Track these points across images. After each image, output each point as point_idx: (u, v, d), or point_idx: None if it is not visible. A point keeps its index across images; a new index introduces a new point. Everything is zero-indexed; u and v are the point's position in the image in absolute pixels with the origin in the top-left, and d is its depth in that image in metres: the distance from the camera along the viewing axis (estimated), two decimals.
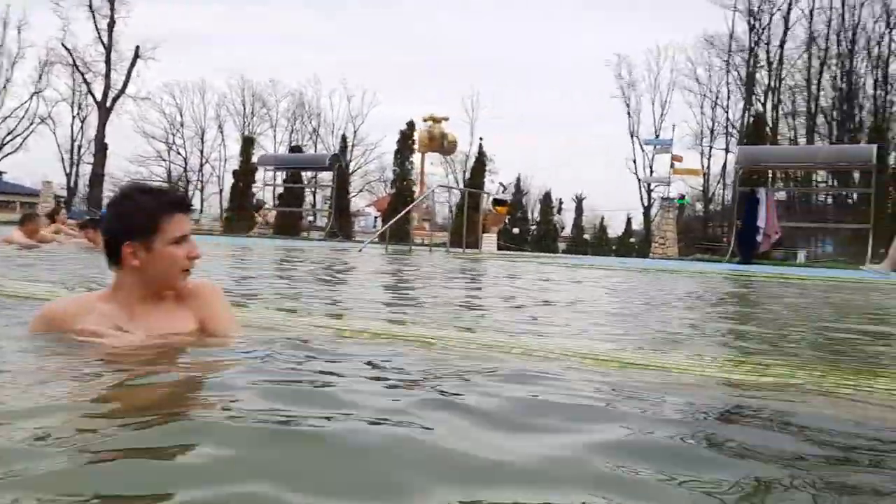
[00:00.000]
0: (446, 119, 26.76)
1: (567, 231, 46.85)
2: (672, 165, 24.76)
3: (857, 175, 25.46)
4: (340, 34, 72.98)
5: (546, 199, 40.32)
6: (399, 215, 17.02)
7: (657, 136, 39.58)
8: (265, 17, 72.77)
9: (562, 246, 40.43)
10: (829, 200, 40.04)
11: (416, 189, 28.29)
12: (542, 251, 29.18)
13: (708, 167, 47.01)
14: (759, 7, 43.98)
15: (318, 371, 1.78)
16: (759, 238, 15.83)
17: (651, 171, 40.27)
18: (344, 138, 44.50)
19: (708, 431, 1.39)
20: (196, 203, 49.67)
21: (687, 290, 6.71)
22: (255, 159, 30.86)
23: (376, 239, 16.46)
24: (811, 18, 43.25)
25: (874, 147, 16.26)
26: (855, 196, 29.58)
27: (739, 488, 1.03)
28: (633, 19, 68.44)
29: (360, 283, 5.35)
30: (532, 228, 41.05)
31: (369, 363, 1.89)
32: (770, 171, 31.04)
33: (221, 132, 51.28)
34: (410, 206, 15.89)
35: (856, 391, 1.90)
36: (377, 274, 7.15)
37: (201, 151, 51.75)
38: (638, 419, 1.39)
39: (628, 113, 49.48)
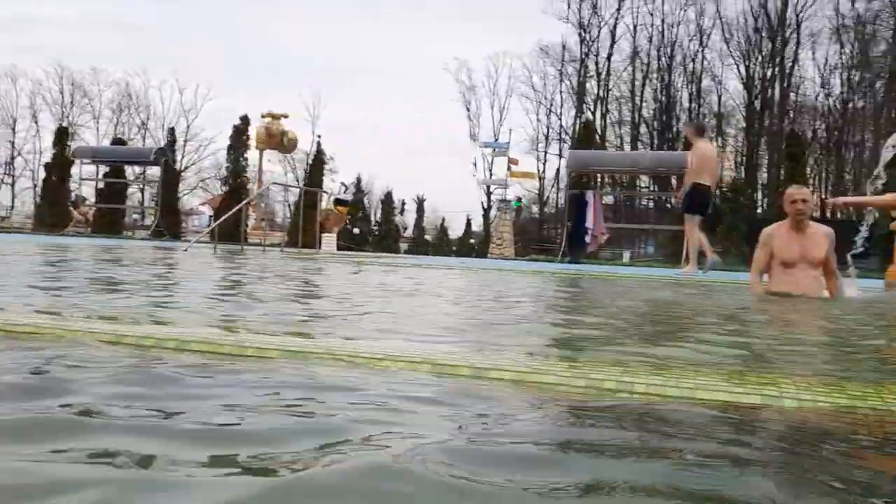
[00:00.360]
0: (286, 116, 25.87)
1: (409, 232, 47.11)
2: (509, 168, 25.45)
3: (674, 180, 27.31)
4: (171, 22, 69.14)
5: (388, 199, 40.26)
6: (230, 213, 16.17)
7: (496, 140, 40.62)
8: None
9: (403, 246, 40.55)
10: (651, 204, 42.96)
11: (253, 187, 27.22)
12: (383, 251, 29.02)
13: (543, 171, 49.06)
14: (588, 21, 46.49)
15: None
16: (588, 239, 16.52)
17: (490, 174, 41.33)
18: (172, 132, 42.14)
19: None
20: (6, 199, 45.24)
21: (519, 288, 6.71)
22: (70, 151, 28.42)
23: (206, 237, 15.53)
24: (635, 34, 46.33)
25: (686, 154, 17.44)
26: (673, 200, 31.86)
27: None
28: (474, 28, 70.13)
29: (161, 285, 4.81)
30: (374, 229, 40.88)
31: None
32: (598, 175, 32.88)
33: (36, 122, 47.05)
34: (242, 203, 15.12)
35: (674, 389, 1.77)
36: (190, 273, 6.58)
37: (12, 143, 47.22)
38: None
39: (469, 117, 50.68)
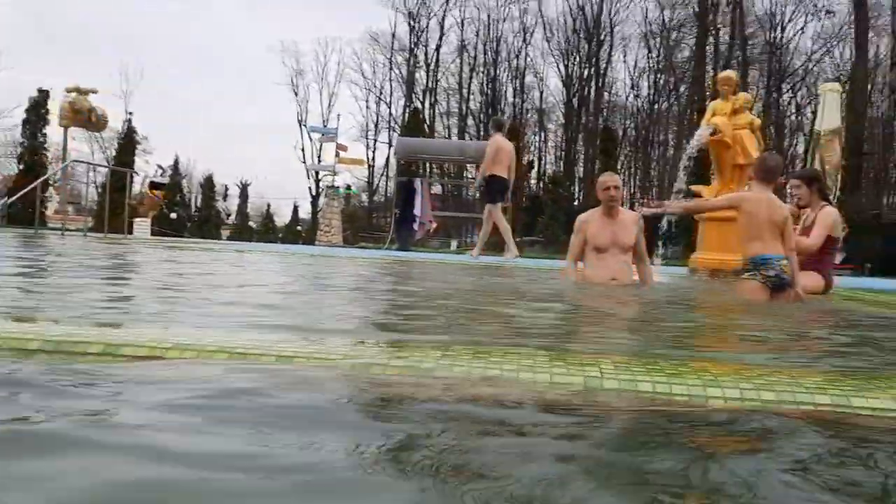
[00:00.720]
0: (94, 91, 23.71)
1: (233, 218, 45.18)
2: (337, 155, 24.91)
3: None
4: None
5: (209, 183, 38.21)
6: (22, 192, 14.52)
7: (325, 126, 39.83)
8: None
9: (226, 233, 38.77)
10: (478, 194, 44.03)
11: (54, 166, 24.77)
12: (203, 238, 27.53)
13: (373, 159, 48.93)
14: (417, 11, 46.79)
15: None
16: (416, 226, 16.51)
17: (319, 160, 40.51)
18: None
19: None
20: None
21: (345, 275, 6.44)
22: None
23: None
24: (462, 27, 47.24)
25: (511, 145, 17.91)
26: (471, 190, 32.80)
27: None
28: (302, 9, 68.33)
29: None
30: (194, 214, 38.69)
31: None
32: (427, 164, 33.21)
33: None
34: (35, 182, 13.60)
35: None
36: None
37: None
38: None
39: (297, 101, 49.42)
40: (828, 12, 33.61)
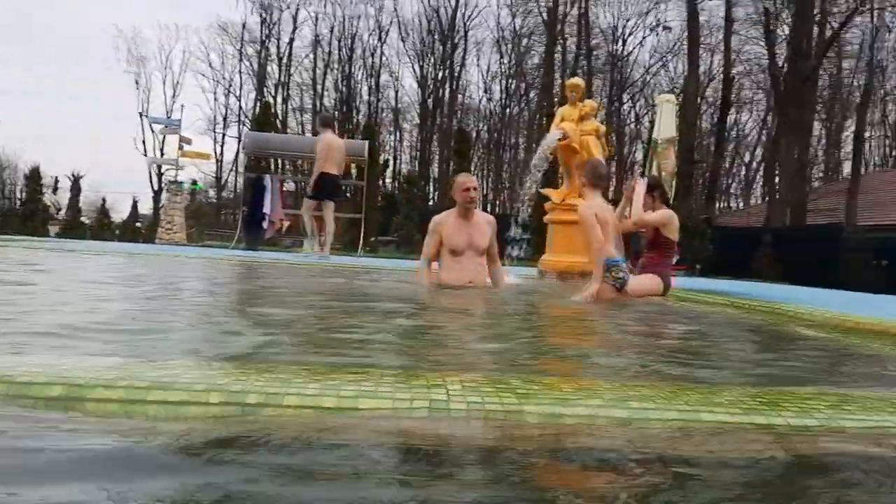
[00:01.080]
0: None
1: (63, 213, 41.72)
2: (181, 148, 23.58)
3: (354, 169, 27.75)
4: None
5: (34, 175, 34.96)
6: None
7: (168, 117, 37.67)
8: None
9: (54, 229, 35.75)
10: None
11: None
12: (28, 234, 25.20)
13: (221, 154, 46.99)
14: (269, 2, 45.39)
15: None
16: (266, 225, 15.89)
17: (161, 153, 38.26)
18: None
19: None
20: None
21: (184, 278, 5.96)
22: None
23: None
24: (316, 22, 46.35)
25: (366, 143, 17.72)
26: (352, 188, 32.43)
27: None
28: None
29: None
30: (17, 208, 35.33)
31: None
32: (279, 160, 32.20)
33: None
34: None
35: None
36: None
37: None
38: None
39: (138, 89, 46.57)
40: (664, 28, 35.88)
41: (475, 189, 5.32)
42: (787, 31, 32.07)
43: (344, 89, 46.20)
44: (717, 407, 1.53)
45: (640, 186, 5.81)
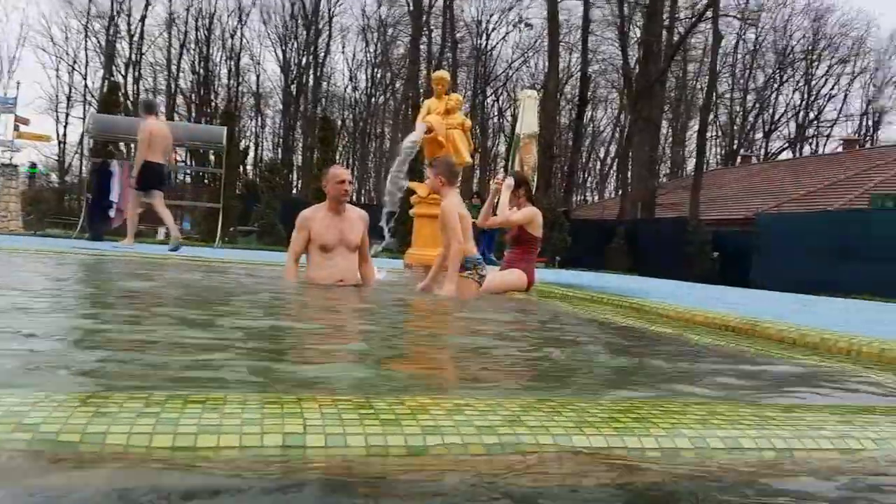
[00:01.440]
0: None
1: None
2: (17, 128, 21.67)
3: (212, 156, 26.58)
4: None
5: None
6: None
7: (4, 95, 34.48)
8: None
9: None
10: (188, 179, 41.46)
11: None
12: None
13: (64, 135, 43.69)
14: None
15: None
16: (113, 213, 14.87)
17: None
18: None
19: None
20: None
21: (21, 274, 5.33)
22: None
23: None
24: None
25: (225, 129, 16.93)
26: (210, 176, 31.12)
27: None
28: None
29: None
30: None
31: None
32: (129, 145, 30.26)
33: None
34: None
35: None
36: None
37: None
38: None
39: None
40: (526, 24, 36.83)
41: (350, 182, 5.10)
42: (638, 34, 33.84)
43: (201, 71, 44.13)
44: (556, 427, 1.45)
45: (508, 184, 5.85)
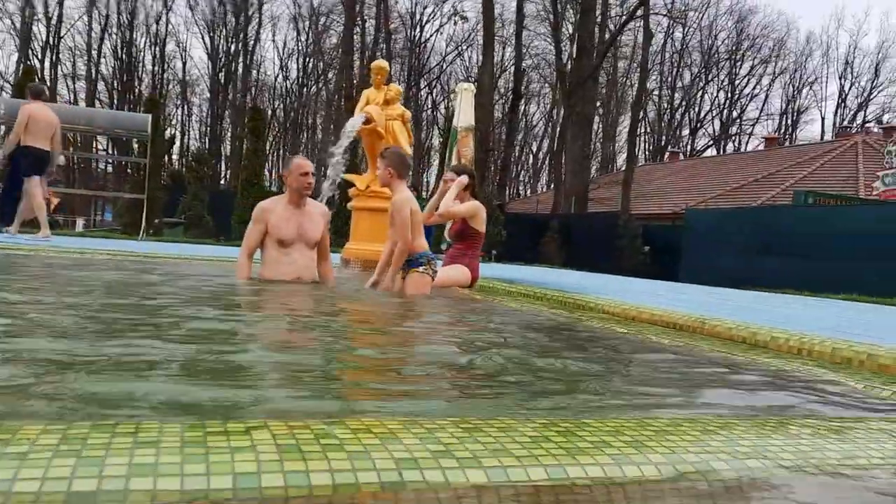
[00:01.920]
0: None
1: None
2: None
3: (136, 144, 25.56)
4: None
5: None
6: None
7: None
8: None
9: None
10: (110, 168, 39.90)
11: None
12: None
13: None
14: None
15: None
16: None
17: None
18: None
19: None
20: None
21: None
22: None
23: None
24: None
25: (149, 117, 16.22)
26: (134, 166, 29.96)
27: None
28: None
29: None
30: None
31: None
32: None
33: None
34: None
35: None
36: None
37: None
38: None
39: None
40: (462, 17, 36.73)
41: (314, 174, 4.86)
42: (570, 31, 34.21)
43: (124, 57, 42.43)
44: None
45: (460, 181, 5.70)
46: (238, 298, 4.30)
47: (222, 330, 2.88)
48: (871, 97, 44.89)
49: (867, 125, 40.83)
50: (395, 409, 1.73)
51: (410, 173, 5.23)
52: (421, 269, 4.92)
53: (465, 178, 5.73)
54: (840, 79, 46.32)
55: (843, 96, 45.48)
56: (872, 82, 44.58)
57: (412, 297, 4.76)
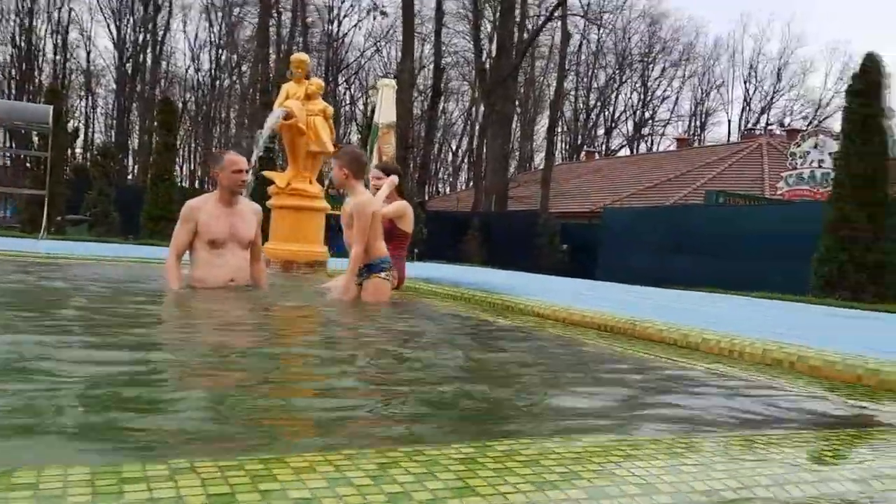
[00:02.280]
0: None
1: None
2: None
3: (36, 138, 24.17)
4: None
5: None
6: None
7: None
8: None
9: None
10: (8, 163, 37.68)
11: None
12: None
13: None
14: None
15: None
16: None
17: None
18: None
19: None
20: None
21: None
22: None
23: None
24: None
25: (50, 108, 15.29)
26: (34, 160, 28.34)
27: None
28: None
29: None
30: None
31: None
32: None
33: None
34: None
35: None
36: None
37: None
38: None
39: None
40: (382, 12, 36.33)
41: (248, 171, 4.59)
42: (489, 29, 34.43)
43: (23, 44, 40.08)
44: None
45: (391, 181, 5.53)
46: (166, 305, 4.05)
47: (155, 353, 2.63)
48: (774, 101, 47.10)
49: (770, 127, 42.83)
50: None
51: (365, 172, 5.05)
52: (383, 274, 4.82)
53: (395, 178, 5.56)
54: (745, 82, 48.43)
55: (748, 99, 47.53)
56: (775, 86, 46.77)
57: (382, 300, 4.72)
